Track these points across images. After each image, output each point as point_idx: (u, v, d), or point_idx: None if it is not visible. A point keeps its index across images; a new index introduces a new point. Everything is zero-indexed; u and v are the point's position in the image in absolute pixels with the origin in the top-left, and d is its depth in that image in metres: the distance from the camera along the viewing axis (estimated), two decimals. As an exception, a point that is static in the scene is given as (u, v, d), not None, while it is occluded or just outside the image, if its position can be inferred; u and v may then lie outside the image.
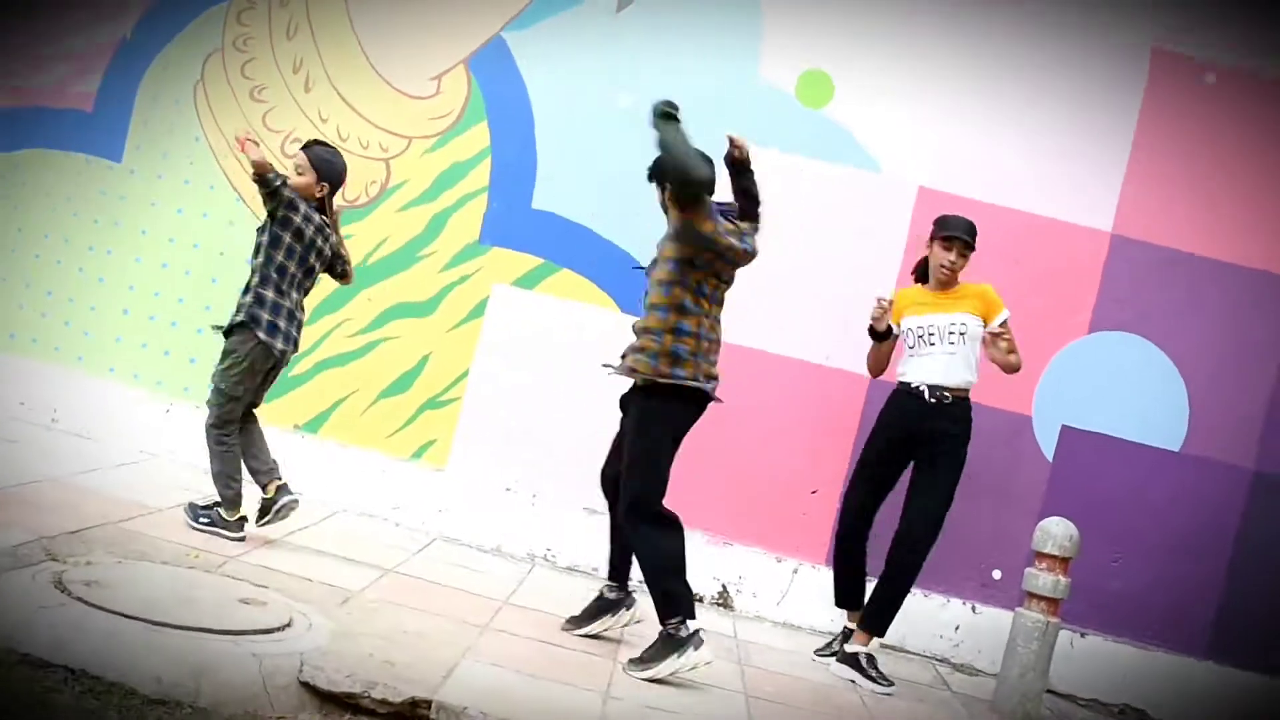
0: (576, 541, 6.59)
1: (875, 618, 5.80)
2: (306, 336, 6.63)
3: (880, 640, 5.84)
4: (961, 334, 5.75)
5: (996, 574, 6.56)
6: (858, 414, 6.52)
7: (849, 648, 5.80)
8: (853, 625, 5.91)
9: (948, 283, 5.84)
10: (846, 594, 6.00)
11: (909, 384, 5.80)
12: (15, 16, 6.98)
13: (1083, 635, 6.47)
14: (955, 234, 5.76)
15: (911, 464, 5.88)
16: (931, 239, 5.86)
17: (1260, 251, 6.56)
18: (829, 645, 6.02)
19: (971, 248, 5.81)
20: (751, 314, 6.51)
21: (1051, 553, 5.76)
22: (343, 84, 6.78)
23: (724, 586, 6.58)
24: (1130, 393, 6.56)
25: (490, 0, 6.73)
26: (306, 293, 5.72)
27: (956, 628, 6.52)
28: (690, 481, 6.46)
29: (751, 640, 6.07)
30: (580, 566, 6.59)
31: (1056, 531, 5.77)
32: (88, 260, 6.85)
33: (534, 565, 6.55)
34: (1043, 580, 5.75)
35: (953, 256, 5.77)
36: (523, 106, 6.71)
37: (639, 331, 5.10)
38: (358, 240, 6.66)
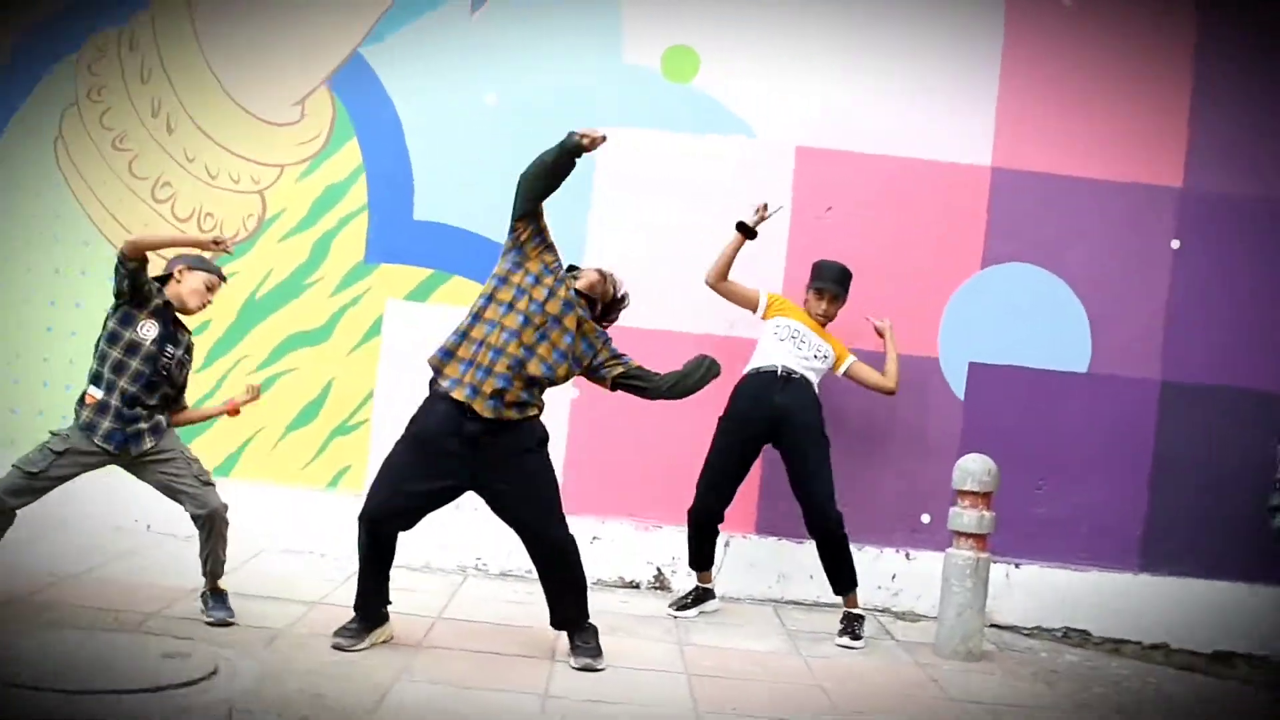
0: (506, 547, 6.50)
1: (840, 583, 6.01)
2: (205, 379, 6.57)
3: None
4: (824, 359, 6.12)
5: (925, 518, 6.60)
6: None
7: (852, 611, 5.99)
8: (706, 585, 6.17)
9: (822, 327, 6.19)
10: (703, 557, 6.21)
11: (760, 368, 6.07)
12: None
13: (1017, 566, 6.53)
14: (824, 285, 6.11)
15: (776, 450, 6.11)
16: (808, 285, 6.19)
17: (1133, 165, 6.64)
18: (684, 600, 6.17)
19: (842, 298, 6.15)
20: (653, 295, 6.48)
21: (972, 489, 5.80)
22: (205, 121, 6.66)
23: (659, 570, 6.56)
24: (1031, 321, 6.63)
25: (343, 18, 6.64)
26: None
27: (893, 576, 6.56)
28: (610, 470, 6.45)
29: (690, 619, 6.05)
30: (513, 571, 6.54)
31: (974, 468, 5.82)
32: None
33: (465, 576, 6.49)
34: (967, 517, 5.79)
35: (824, 305, 6.11)
36: (390, 119, 6.63)
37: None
38: (241, 276, 6.56)
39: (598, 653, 5.02)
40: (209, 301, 5.20)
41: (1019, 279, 6.64)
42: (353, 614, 5.08)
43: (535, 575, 6.34)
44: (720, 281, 6.17)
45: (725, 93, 6.63)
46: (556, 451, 6.52)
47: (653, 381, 5.08)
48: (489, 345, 4.84)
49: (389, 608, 5.17)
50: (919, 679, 5.39)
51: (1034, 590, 6.53)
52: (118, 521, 6.56)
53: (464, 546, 6.55)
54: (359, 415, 6.61)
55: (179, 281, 5.10)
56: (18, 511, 5.02)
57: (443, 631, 5.38)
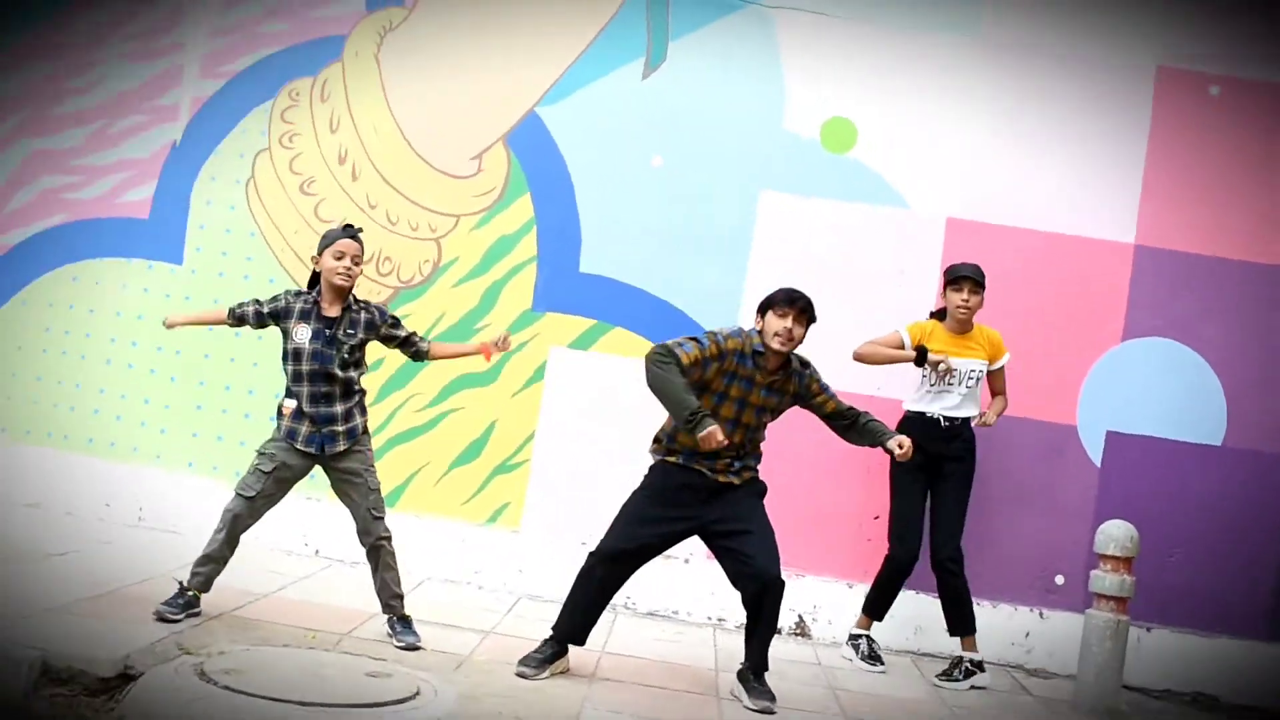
0: (653, 588, 6.83)
1: (959, 623, 6.32)
2: (377, 414, 6.95)
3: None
4: (977, 379, 6.34)
5: (1060, 579, 6.83)
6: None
7: (970, 656, 6.26)
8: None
9: (965, 323, 6.34)
10: (882, 607, 6.47)
11: (924, 413, 6.32)
12: (65, 125, 7.28)
13: (1149, 630, 6.74)
14: (963, 274, 6.28)
15: (932, 485, 6.37)
16: (945, 286, 6.37)
17: (1271, 248, 6.89)
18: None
19: (981, 286, 6.30)
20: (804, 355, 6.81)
21: (1114, 554, 6.04)
22: (388, 170, 7.08)
23: (800, 617, 6.83)
24: (1168, 394, 6.87)
25: (524, 79, 7.05)
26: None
27: (1026, 634, 6.78)
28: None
29: (836, 666, 6.31)
30: (659, 611, 6.85)
31: (1118, 534, 6.05)
32: (157, 361, 7.12)
33: (616, 614, 6.78)
34: (1109, 581, 6.02)
35: (964, 295, 6.27)
36: (562, 176, 7.02)
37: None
38: (415, 318, 6.95)
39: (773, 696, 5.29)
40: (353, 266, 5.30)
41: (1157, 352, 6.88)
42: (541, 642, 5.42)
43: (680, 616, 6.72)
44: (868, 363, 6.45)
45: (881, 164, 6.95)
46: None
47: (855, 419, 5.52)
48: None
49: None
50: (1064, 735, 5.63)
51: (1165, 654, 6.73)
52: (288, 546, 6.93)
53: (615, 585, 6.86)
54: (520, 455, 6.96)
55: (320, 270, 5.36)
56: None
57: (610, 665, 5.68)
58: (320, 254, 5.35)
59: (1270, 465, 6.83)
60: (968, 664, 6.24)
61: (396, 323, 5.55)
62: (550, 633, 5.45)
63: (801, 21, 6.98)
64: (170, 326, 5.50)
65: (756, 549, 5.32)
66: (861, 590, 6.76)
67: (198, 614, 5.35)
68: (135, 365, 7.14)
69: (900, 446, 5.31)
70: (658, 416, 6.90)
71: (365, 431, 5.49)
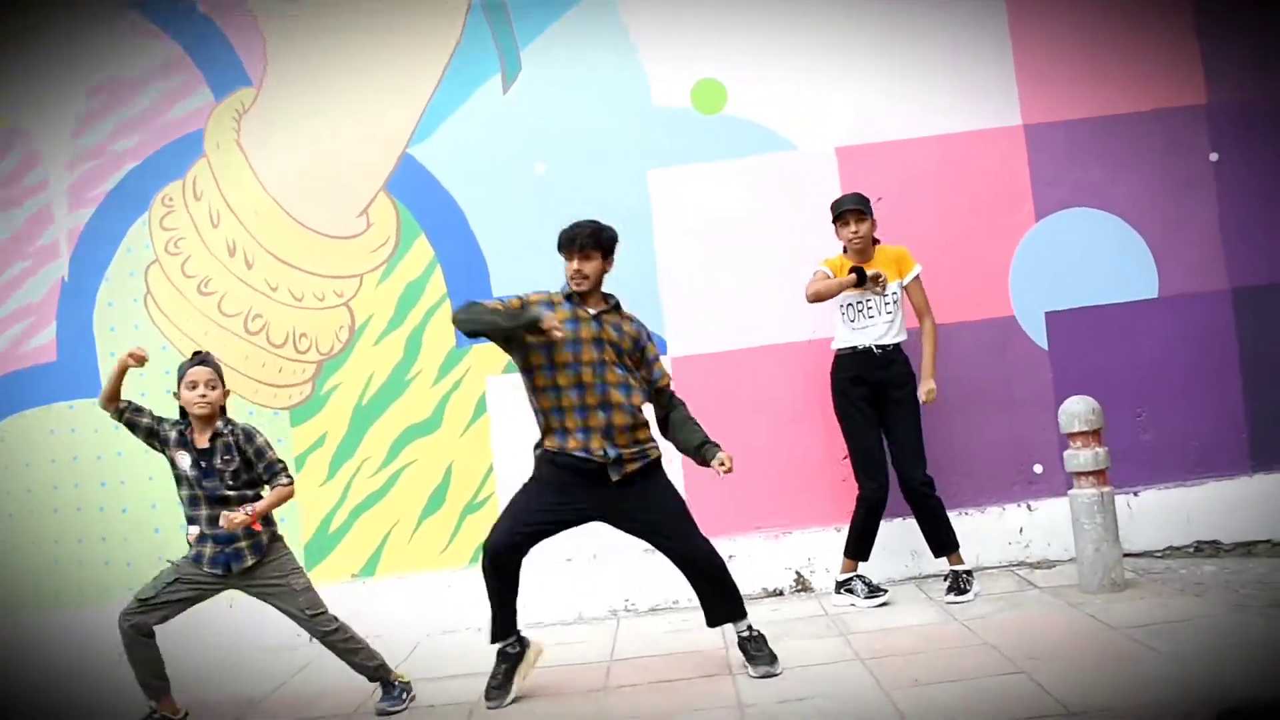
0: (649, 585, 6.79)
1: (944, 543, 6.30)
2: (333, 489, 6.89)
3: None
4: (895, 299, 6.27)
5: (1038, 469, 6.82)
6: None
7: (960, 569, 6.26)
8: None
9: (863, 251, 6.31)
10: (866, 549, 6.42)
11: (855, 346, 6.28)
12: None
13: (1136, 494, 6.74)
14: (844, 208, 6.27)
15: (878, 418, 6.34)
16: (833, 225, 6.32)
17: (1153, 93, 6.89)
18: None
19: (864, 212, 6.25)
20: (726, 318, 6.81)
21: (1081, 429, 6.04)
22: (279, 249, 7.00)
23: (798, 573, 6.80)
24: (1095, 261, 6.87)
25: (388, 124, 6.99)
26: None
27: (1020, 530, 6.78)
28: (728, 491, 6.69)
29: (843, 613, 6.28)
30: (661, 605, 6.81)
31: (1079, 409, 6.05)
32: (105, 497, 7.02)
33: (618, 619, 6.74)
34: (1083, 457, 6.02)
35: (852, 227, 6.25)
36: (451, 209, 6.97)
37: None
38: (345, 385, 6.89)
39: (773, 658, 5.27)
40: (208, 392, 5.22)
41: (1074, 223, 6.89)
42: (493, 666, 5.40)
43: (683, 604, 6.67)
44: (821, 300, 6.38)
45: (758, 114, 6.93)
46: (676, 484, 6.82)
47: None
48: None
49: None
50: (1077, 617, 5.61)
51: (1157, 514, 6.74)
52: (280, 642, 6.83)
53: (611, 592, 6.82)
54: (484, 491, 6.90)
55: (185, 407, 5.30)
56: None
57: (621, 672, 5.63)
58: (177, 390, 5.29)
59: (1207, 303, 6.84)
60: (964, 575, 6.23)
61: (260, 453, 5.30)
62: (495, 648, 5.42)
63: (641, -1, 6.97)
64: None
65: (671, 534, 5.32)
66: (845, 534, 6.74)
67: None
68: (83, 508, 7.03)
69: (722, 465, 5.23)
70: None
71: (275, 539, 5.37)
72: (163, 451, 5.30)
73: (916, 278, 6.36)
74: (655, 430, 5.49)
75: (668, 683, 5.35)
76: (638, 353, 5.40)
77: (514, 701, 5.28)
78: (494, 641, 5.39)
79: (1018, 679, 4.77)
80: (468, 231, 6.96)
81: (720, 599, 5.40)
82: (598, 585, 6.82)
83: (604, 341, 5.28)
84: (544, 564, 6.78)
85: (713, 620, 5.45)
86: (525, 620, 6.69)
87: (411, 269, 6.96)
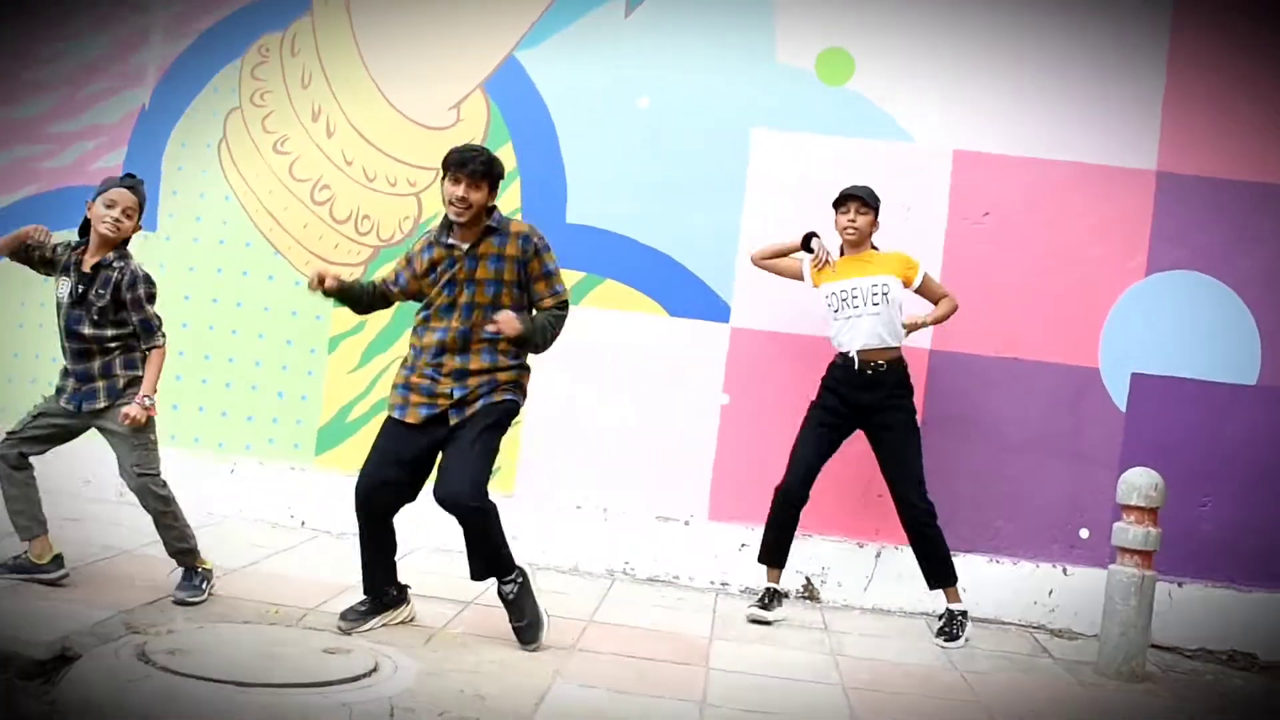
0: (654, 552, 6.53)
1: (941, 575, 5.95)
2: (360, 378, 6.69)
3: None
4: (885, 294, 5.87)
5: (1084, 533, 6.41)
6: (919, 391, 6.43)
7: (957, 608, 5.92)
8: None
9: (858, 244, 5.98)
10: (776, 550, 6.04)
11: (844, 353, 5.95)
12: (32, 93, 7.05)
13: (1180, 585, 6.31)
14: (848, 193, 5.92)
15: (864, 434, 6.03)
16: (834, 209, 6.01)
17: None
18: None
19: (870, 206, 5.92)
20: (800, 299, 6.43)
21: (1138, 504, 5.62)
22: (363, 125, 6.78)
23: (808, 579, 6.49)
24: (1197, 331, 6.41)
25: (499, 23, 6.71)
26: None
27: (1050, 592, 6.38)
28: (760, 478, 6.38)
29: (843, 630, 5.96)
30: (660, 577, 6.54)
31: (1141, 482, 5.63)
32: (135, 332, 6.88)
33: (614, 580, 6.49)
34: (1133, 533, 5.61)
35: (850, 215, 5.91)
36: (544, 123, 6.68)
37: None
38: (398, 278, 6.66)
39: (535, 628, 5.07)
40: (122, 219, 5.00)
41: (1185, 286, 6.42)
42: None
43: (682, 581, 6.39)
44: (764, 260, 6.12)
45: (882, 95, 6.53)
46: (705, 458, 6.52)
47: None
48: None
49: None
50: (1083, 699, 5.23)
51: (1198, 610, 6.30)
52: (274, 518, 6.71)
53: (613, 551, 6.55)
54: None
55: (90, 219, 5.05)
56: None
57: (595, 635, 5.38)
58: (94, 199, 5.04)
59: (1309, 404, 6.36)
60: (959, 617, 5.89)
61: (138, 303, 5.04)
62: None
63: (789, -54, 6.57)
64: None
65: (447, 466, 4.99)
66: (873, 550, 6.43)
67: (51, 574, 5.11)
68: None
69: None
70: (656, 375, 6.66)
71: (130, 384, 5.09)
72: (50, 274, 5.12)
73: (925, 276, 5.95)
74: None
75: (638, 659, 5.08)
76: (524, 275, 5.04)
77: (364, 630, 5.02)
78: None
79: (999, 749, 4.44)
80: (556, 150, 6.67)
81: (477, 553, 5.14)
82: (600, 540, 6.56)
83: (476, 281, 4.96)
84: (555, 509, 6.58)
85: (474, 572, 5.17)
86: (520, 557, 6.49)
87: (490, 175, 6.69)
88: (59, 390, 5.14)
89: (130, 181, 5.10)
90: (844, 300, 5.92)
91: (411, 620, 5.22)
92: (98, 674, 4.19)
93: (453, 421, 5.00)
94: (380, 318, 6.69)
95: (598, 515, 6.59)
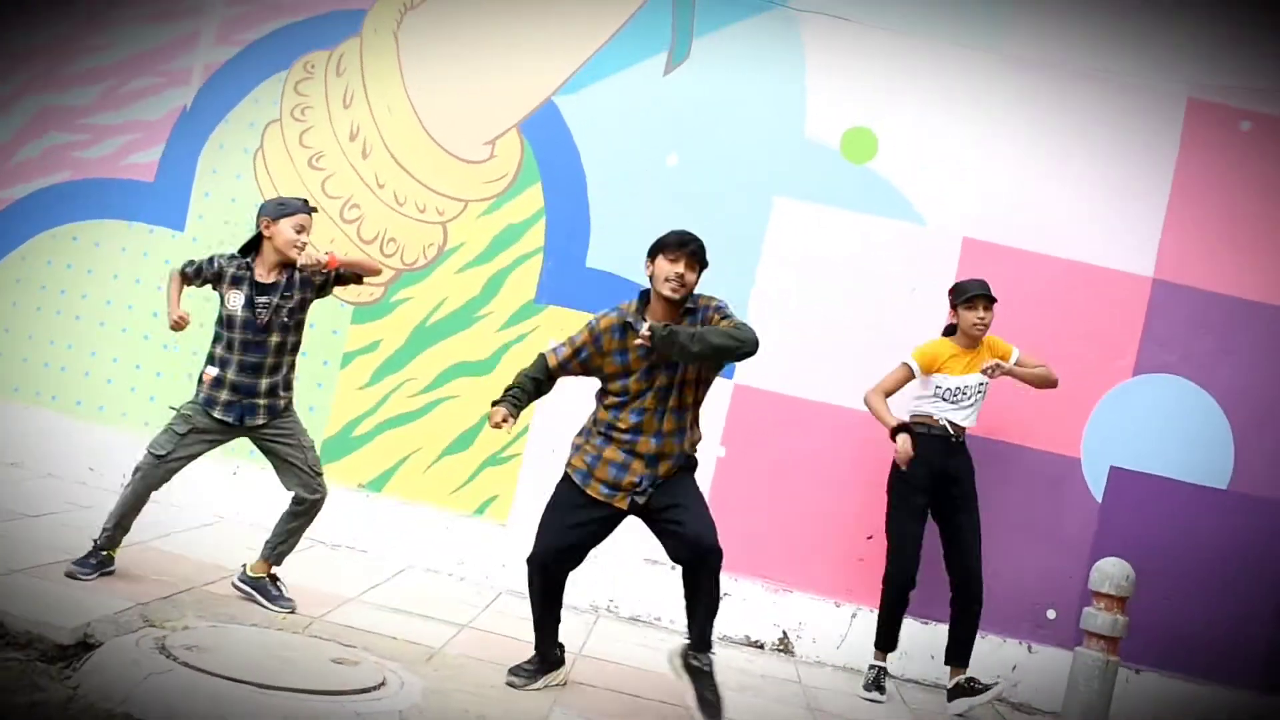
0: (637, 593, 6.72)
1: (965, 655, 6.22)
2: (370, 396, 6.85)
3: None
4: (982, 392, 6.22)
5: (1051, 614, 6.68)
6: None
7: (963, 680, 6.17)
8: (881, 664, 6.23)
9: (979, 339, 6.21)
10: (890, 635, 6.27)
11: (932, 421, 6.16)
12: (79, 82, 7.19)
13: (1137, 672, 6.59)
14: (978, 293, 6.15)
15: (937, 508, 6.23)
16: (953, 306, 6.22)
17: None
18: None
19: (993, 301, 6.16)
20: (804, 364, 6.70)
21: (1109, 592, 5.86)
22: (398, 150, 6.97)
23: (784, 633, 6.70)
24: (1176, 433, 6.72)
25: (542, 66, 6.94)
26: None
27: (1014, 667, 6.64)
28: (748, 530, 6.61)
29: (817, 685, 6.18)
30: (642, 617, 6.73)
31: (1114, 571, 5.87)
32: (151, 326, 7.02)
33: (598, 616, 6.67)
34: (1101, 620, 5.85)
35: (981, 313, 6.14)
36: (575, 168, 6.90)
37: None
38: (416, 302, 6.86)
39: (719, 705, 4.99)
40: (306, 241, 5.21)
41: (1168, 390, 6.73)
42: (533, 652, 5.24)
43: (663, 623, 6.59)
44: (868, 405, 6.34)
45: (900, 178, 6.82)
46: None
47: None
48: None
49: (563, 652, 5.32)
50: (1043, 774, 5.49)
51: (1153, 697, 6.58)
52: (273, 524, 6.83)
53: (598, 588, 6.74)
54: (512, 449, 6.85)
55: (270, 238, 5.23)
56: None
57: (585, 669, 5.56)
58: (275, 220, 5.21)
59: (1274, 512, 6.66)
60: (974, 679, 6.17)
61: (320, 271, 5.26)
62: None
63: (827, 26, 6.84)
64: (178, 327, 5.27)
65: (687, 519, 4.99)
66: (849, 610, 6.65)
67: (111, 573, 5.28)
68: (129, 329, 7.04)
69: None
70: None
71: (289, 408, 5.37)
72: (215, 287, 5.28)
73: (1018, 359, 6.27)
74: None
75: (627, 695, 5.28)
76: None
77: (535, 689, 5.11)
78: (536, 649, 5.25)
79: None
80: (583, 195, 6.89)
81: (708, 610, 5.08)
82: (587, 577, 6.72)
83: (676, 364, 4.99)
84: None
85: (693, 634, 5.08)
86: (509, 585, 6.71)
87: (517, 212, 6.91)
88: (208, 401, 5.25)
89: (312, 206, 5.30)
90: (954, 393, 6.15)
91: (564, 683, 5.26)
92: (119, 664, 4.33)
93: (629, 505, 5.07)
94: (394, 338, 6.89)
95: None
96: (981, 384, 6.18)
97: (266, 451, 5.41)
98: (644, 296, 5.11)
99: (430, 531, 6.80)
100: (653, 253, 5.04)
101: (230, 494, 6.85)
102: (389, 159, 6.97)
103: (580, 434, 5.23)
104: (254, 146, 7.05)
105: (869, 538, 6.66)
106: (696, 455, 5.19)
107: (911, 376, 6.27)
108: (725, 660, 6.18)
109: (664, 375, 5.01)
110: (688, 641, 5.06)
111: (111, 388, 7.04)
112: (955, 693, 6.14)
